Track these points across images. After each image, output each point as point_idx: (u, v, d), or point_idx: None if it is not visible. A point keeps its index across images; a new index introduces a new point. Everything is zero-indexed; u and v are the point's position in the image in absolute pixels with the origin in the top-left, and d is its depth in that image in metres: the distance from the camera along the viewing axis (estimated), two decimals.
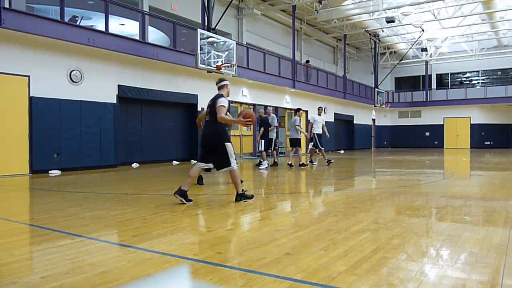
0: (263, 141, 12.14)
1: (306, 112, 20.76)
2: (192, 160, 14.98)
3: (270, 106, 14.88)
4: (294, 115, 12.54)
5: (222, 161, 5.52)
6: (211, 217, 5.08)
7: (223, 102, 5.46)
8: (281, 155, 20.08)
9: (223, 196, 6.64)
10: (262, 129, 12.16)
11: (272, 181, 9.23)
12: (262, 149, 12.21)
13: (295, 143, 12.25)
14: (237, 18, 20.20)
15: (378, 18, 23.29)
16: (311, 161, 12.98)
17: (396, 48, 30.54)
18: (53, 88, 10.61)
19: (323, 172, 10.91)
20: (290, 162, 12.05)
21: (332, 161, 12.84)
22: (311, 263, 2.85)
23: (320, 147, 12.50)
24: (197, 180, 7.58)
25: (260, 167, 11.85)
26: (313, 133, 12.49)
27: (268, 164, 12.18)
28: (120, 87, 12.41)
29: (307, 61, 24.06)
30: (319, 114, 12.78)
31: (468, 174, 11.11)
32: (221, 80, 5.86)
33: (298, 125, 12.14)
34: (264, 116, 12.50)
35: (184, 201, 5.47)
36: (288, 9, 21.23)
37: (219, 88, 5.81)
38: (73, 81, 11.14)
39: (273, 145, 12.25)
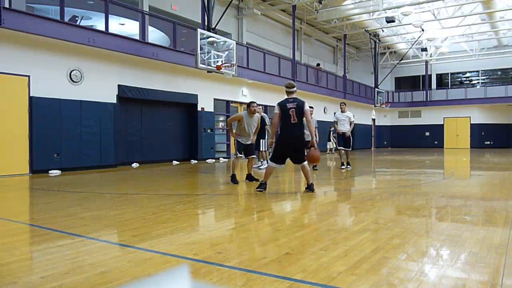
0: (263, 140, 12.10)
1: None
2: (192, 160, 14.99)
3: (260, 105, 13.92)
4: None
5: (301, 157, 6.38)
6: (211, 217, 5.09)
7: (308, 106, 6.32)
8: None
9: (223, 196, 6.65)
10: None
11: (272, 181, 9.22)
12: (263, 149, 12.18)
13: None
14: (237, 18, 20.20)
15: (378, 18, 23.29)
16: (347, 163, 11.52)
17: (396, 48, 30.53)
18: (53, 88, 10.61)
19: (323, 172, 10.90)
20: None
21: (343, 167, 11.40)
22: (311, 263, 2.85)
23: (337, 146, 11.70)
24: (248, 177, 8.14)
25: (260, 167, 11.85)
26: (342, 132, 11.37)
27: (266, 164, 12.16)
28: (120, 87, 12.41)
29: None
30: (343, 111, 11.44)
31: (468, 174, 11.11)
32: (294, 85, 6.43)
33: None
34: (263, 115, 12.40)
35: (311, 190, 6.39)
36: (288, 9, 21.23)
37: (292, 93, 6.34)
38: (73, 81, 11.14)
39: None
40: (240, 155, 8.02)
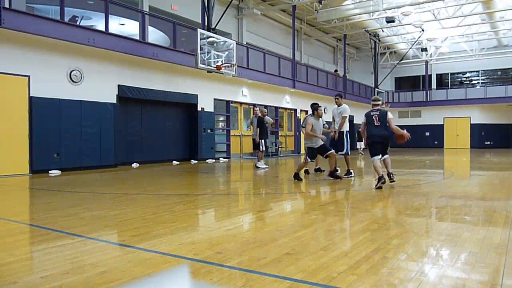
0: (262, 141, 12.10)
1: (306, 112, 20.75)
2: (192, 160, 14.98)
3: (256, 106, 13.73)
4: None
5: (385, 150, 7.49)
6: (211, 217, 5.09)
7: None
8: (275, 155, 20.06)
9: (223, 196, 6.65)
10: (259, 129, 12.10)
11: (272, 180, 9.22)
12: (262, 149, 12.19)
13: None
14: (237, 18, 20.20)
15: (378, 18, 23.28)
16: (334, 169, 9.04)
17: (396, 48, 30.53)
18: (53, 88, 10.61)
19: (322, 172, 10.90)
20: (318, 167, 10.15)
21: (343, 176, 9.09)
22: (311, 263, 2.85)
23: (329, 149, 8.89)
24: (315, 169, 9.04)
25: (259, 166, 11.86)
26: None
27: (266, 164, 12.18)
28: (120, 87, 12.41)
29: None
30: (339, 105, 9.25)
31: (468, 174, 11.10)
32: (378, 99, 7.65)
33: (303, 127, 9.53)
34: (264, 116, 12.39)
35: (386, 181, 7.19)
36: (288, 9, 21.23)
37: (376, 105, 7.49)
38: (73, 81, 11.14)
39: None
40: (312, 161, 8.36)
